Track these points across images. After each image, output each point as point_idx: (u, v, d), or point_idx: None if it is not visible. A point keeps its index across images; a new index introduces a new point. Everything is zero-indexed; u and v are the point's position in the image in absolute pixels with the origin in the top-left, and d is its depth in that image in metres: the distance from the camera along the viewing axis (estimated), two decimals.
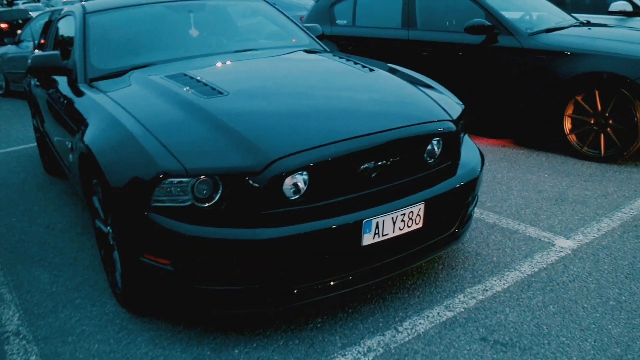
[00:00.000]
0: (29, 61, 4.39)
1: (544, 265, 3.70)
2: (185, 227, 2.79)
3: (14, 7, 29.57)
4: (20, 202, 5.46)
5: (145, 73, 3.92)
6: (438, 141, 3.29)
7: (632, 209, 4.46)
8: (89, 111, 3.64)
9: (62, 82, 4.49)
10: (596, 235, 4.08)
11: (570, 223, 4.29)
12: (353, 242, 2.92)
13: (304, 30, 5.05)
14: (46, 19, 11.30)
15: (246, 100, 3.28)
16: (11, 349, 3.18)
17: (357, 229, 2.89)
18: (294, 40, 4.93)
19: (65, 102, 4.20)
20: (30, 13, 17.76)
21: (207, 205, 2.82)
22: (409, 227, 3.08)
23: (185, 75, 3.73)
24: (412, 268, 3.71)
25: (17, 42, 11.76)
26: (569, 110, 5.55)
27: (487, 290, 3.45)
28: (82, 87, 4.00)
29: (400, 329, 3.13)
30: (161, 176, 2.79)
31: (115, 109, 3.43)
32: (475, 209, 4.58)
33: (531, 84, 5.69)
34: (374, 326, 3.17)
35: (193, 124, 3.08)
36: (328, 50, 4.82)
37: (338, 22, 7.23)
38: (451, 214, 3.36)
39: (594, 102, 5.41)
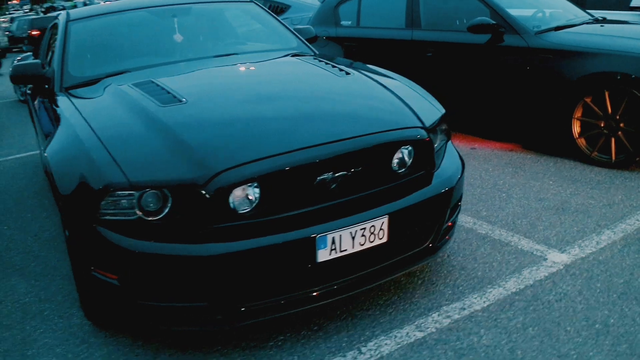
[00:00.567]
0: (10, 70, 4.32)
1: (531, 282, 3.45)
2: (130, 241, 2.67)
3: (48, 15, 30.10)
4: (15, 210, 5.41)
5: (116, 81, 3.81)
6: (409, 149, 3.07)
7: (637, 220, 4.16)
8: (57, 121, 3.56)
9: (45, 90, 4.43)
10: (594, 249, 3.80)
11: (568, 235, 4.01)
12: (307, 258, 2.74)
13: (293, 33, 4.87)
14: None
15: (204, 108, 3.13)
16: None
17: (310, 245, 2.71)
18: (280, 43, 4.74)
19: (43, 110, 4.14)
20: None
21: (155, 219, 2.67)
22: (371, 242, 2.87)
23: (152, 82, 3.59)
24: (389, 282, 3.49)
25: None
26: (578, 113, 5.25)
27: (464, 308, 3.22)
28: (58, 96, 3.91)
29: (363, 349, 2.93)
30: (106, 189, 2.68)
31: (77, 119, 3.34)
32: (469, 219, 4.33)
33: (538, 85, 5.40)
34: (337, 346, 2.97)
35: (146, 134, 2.96)
36: (315, 53, 4.64)
37: (343, 23, 7.03)
38: (424, 227, 3.14)
39: (603, 104, 5.11)
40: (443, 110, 3.50)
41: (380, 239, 2.91)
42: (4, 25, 34.11)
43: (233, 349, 3.01)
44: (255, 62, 4.11)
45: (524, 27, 5.54)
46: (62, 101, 3.73)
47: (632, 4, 7.46)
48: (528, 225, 4.20)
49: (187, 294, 2.70)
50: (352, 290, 2.92)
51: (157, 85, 3.53)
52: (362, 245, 2.87)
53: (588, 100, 5.17)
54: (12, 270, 4.13)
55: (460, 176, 3.36)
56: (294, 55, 4.38)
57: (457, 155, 3.52)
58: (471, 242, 4.00)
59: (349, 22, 6.99)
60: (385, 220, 2.88)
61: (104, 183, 2.69)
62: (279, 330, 3.15)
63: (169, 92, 3.37)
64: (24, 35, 28.34)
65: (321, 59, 4.14)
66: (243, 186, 2.67)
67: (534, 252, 3.80)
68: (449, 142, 3.65)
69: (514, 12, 6.09)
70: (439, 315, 3.19)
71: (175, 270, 2.64)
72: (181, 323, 2.76)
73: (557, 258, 3.71)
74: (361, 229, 2.83)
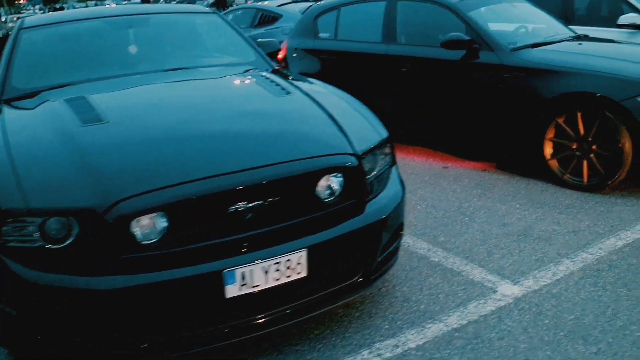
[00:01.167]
0: None
1: (475, 317, 3.24)
2: (25, 271, 2.51)
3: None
4: None
5: (53, 95, 3.66)
6: (338, 177, 2.88)
7: (600, 249, 3.94)
8: None
9: None
10: (549, 281, 3.59)
11: (525, 264, 3.80)
12: (215, 294, 2.57)
13: (252, 47, 4.70)
14: None
15: (123, 130, 2.98)
16: None
17: (217, 280, 2.53)
18: (235, 57, 4.58)
19: None
20: None
21: (58, 247, 2.50)
22: (287, 277, 2.69)
23: (84, 99, 3.44)
24: (324, 314, 3.30)
25: None
26: (550, 134, 5.04)
27: (398, 346, 3.02)
28: None
29: None
30: (6, 214, 2.51)
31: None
32: (424, 244, 4.14)
33: (511, 103, 5.20)
34: None
35: (60, 155, 2.81)
36: (271, 67, 4.47)
37: (321, 35, 6.86)
38: (354, 259, 2.95)
39: (576, 125, 4.88)
40: (385, 135, 3.31)
41: (299, 273, 2.73)
42: (10, 24, 34.27)
43: None
44: (198, 79, 3.95)
45: (499, 44, 5.34)
46: None
47: (619, 22, 7.20)
48: (485, 253, 3.99)
49: (86, 329, 2.53)
50: (268, 327, 2.73)
51: (87, 102, 3.37)
52: (278, 280, 2.69)
53: (560, 120, 4.96)
54: None
55: (398, 204, 3.17)
56: (247, 70, 4.21)
57: (398, 182, 3.33)
58: (421, 271, 3.80)
59: (327, 35, 6.81)
60: (303, 254, 2.70)
61: (3, 207, 2.52)
62: None
63: (94, 111, 3.21)
64: None
65: (269, 76, 3.98)
66: (149, 215, 2.50)
67: (485, 284, 3.60)
68: (394, 167, 3.44)
69: (498, 26, 5.90)
70: (369, 353, 3.00)
71: (72, 304, 2.49)
72: (81, 358, 2.59)
73: (508, 290, 3.50)
74: (275, 264, 2.65)
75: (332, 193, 2.90)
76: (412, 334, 3.14)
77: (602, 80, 4.75)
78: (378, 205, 3.09)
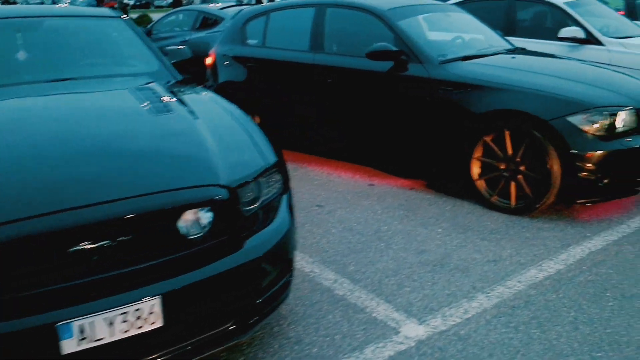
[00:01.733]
0: None
1: None
2: None
3: None
4: None
5: None
6: (206, 211, 2.50)
7: (518, 282, 3.63)
8: None
9: None
10: (459, 320, 3.26)
11: (435, 300, 3.46)
12: (48, 350, 2.16)
13: (156, 56, 4.30)
14: None
15: None
16: None
17: (50, 334, 2.14)
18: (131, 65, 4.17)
19: None
20: None
21: None
22: (139, 328, 2.28)
23: None
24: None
25: None
26: (477, 153, 4.73)
27: None
28: None
29: None
30: None
31: None
32: (331, 275, 3.78)
33: (438, 120, 4.90)
34: None
35: None
36: (176, 78, 4.13)
37: (249, 41, 6.47)
38: (225, 303, 2.57)
39: (504, 145, 4.57)
40: (272, 160, 2.94)
41: (152, 323, 2.33)
42: None
43: None
44: (80, 93, 3.57)
45: (427, 56, 5.02)
46: None
47: (560, 35, 6.96)
48: (395, 285, 3.65)
49: None
50: None
51: None
52: (127, 332, 2.29)
53: (488, 139, 4.65)
54: None
55: (282, 239, 2.80)
56: (147, 83, 3.82)
57: (287, 213, 2.96)
58: (322, 307, 3.44)
59: (256, 41, 6.43)
60: (156, 301, 2.32)
61: None
62: None
63: None
64: None
65: (160, 90, 3.62)
66: None
67: (388, 323, 3.25)
68: (286, 195, 3.07)
69: (437, 35, 5.60)
70: None
71: None
72: None
73: (412, 332, 3.16)
74: (121, 314, 2.25)
75: (199, 230, 2.52)
76: None
77: (531, 98, 4.46)
78: (259, 240, 2.73)
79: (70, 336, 2.20)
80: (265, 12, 6.41)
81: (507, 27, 7.55)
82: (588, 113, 4.35)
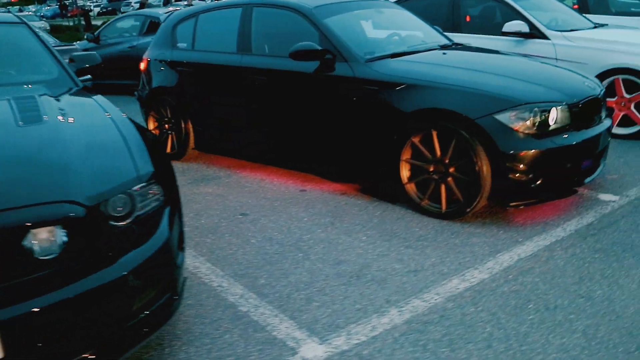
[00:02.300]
0: None
1: None
2: None
3: None
4: None
5: None
6: (59, 230, 2.21)
7: (437, 295, 3.35)
8: None
9: None
10: (363, 338, 2.99)
11: (344, 316, 3.18)
12: None
13: (57, 62, 4.01)
14: None
15: None
16: None
17: None
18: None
19: None
20: None
21: None
22: None
23: None
24: None
25: None
26: (406, 154, 4.46)
27: None
28: None
29: None
30: None
31: None
32: (239, 290, 3.52)
33: (366, 121, 4.62)
34: None
35: None
36: (77, 85, 3.84)
37: (179, 45, 6.16)
38: (82, 330, 2.27)
39: (432, 146, 4.30)
40: (146, 172, 2.66)
41: None
42: None
43: None
44: None
45: (353, 54, 4.74)
46: None
47: (504, 29, 6.73)
48: (304, 300, 3.36)
49: None
50: None
51: None
52: None
53: (416, 140, 4.39)
54: None
55: (154, 257, 2.50)
56: (32, 92, 3.52)
57: (165, 227, 2.67)
58: (221, 325, 3.15)
59: (185, 45, 6.12)
60: None
61: None
62: None
63: None
64: None
65: (45, 99, 3.35)
66: None
67: (287, 343, 2.96)
68: (167, 208, 2.77)
69: (371, 33, 5.34)
70: None
71: None
72: None
73: (311, 352, 2.87)
74: None
75: (53, 250, 2.22)
76: None
77: (457, 96, 4.21)
78: (130, 258, 2.43)
79: None
80: (194, 15, 6.12)
81: (452, 23, 7.31)
82: (517, 110, 4.09)
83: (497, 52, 5.36)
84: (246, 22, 5.53)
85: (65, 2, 46.65)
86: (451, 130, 4.20)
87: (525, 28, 6.70)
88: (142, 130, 3.14)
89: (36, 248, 2.24)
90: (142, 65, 6.50)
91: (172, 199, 2.87)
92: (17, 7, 64.66)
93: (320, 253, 3.98)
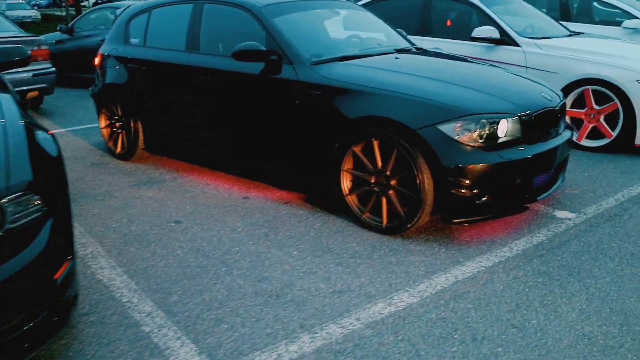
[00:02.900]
0: None
1: None
2: None
3: None
4: None
5: None
6: None
7: (357, 320, 3.10)
8: None
9: None
10: None
11: (250, 341, 2.92)
12: None
13: None
14: None
15: None
16: None
17: None
18: None
19: None
20: None
21: None
22: None
23: None
24: None
25: None
26: (347, 164, 4.19)
27: None
28: None
29: None
30: None
31: None
32: (147, 306, 3.27)
33: (310, 128, 4.36)
34: None
35: None
36: None
37: (132, 40, 5.89)
38: None
39: (374, 156, 4.04)
40: (22, 180, 2.42)
41: None
42: None
43: None
44: None
45: (299, 56, 4.48)
46: None
47: (474, 35, 6.46)
48: (213, 321, 3.12)
49: None
50: None
51: None
52: None
53: (357, 149, 4.12)
54: None
55: (14, 276, 2.25)
56: None
57: (43, 240, 2.41)
58: (116, 348, 2.91)
59: (137, 41, 5.85)
60: None
61: None
62: None
63: None
64: None
65: None
66: None
67: None
68: (50, 220, 2.51)
69: (332, 34, 5.11)
70: None
71: None
72: None
73: None
74: None
75: None
76: None
77: (400, 104, 3.95)
78: None
79: None
80: (147, 9, 5.86)
81: (421, 26, 7.03)
82: (462, 121, 3.83)
83: (455, 58, 5.10)
84: (196, 19, 5.27)
85: None
86: (392, 140, 3.93)
87: (495, 34, 6.43)
88: (33, 136, 2.87)
89: None
90: (96, 60, 6.24)
91: (57, 210, 2.61)
92: None
93: (245, 268, 3.72)
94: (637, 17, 8.58)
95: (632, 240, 4.11)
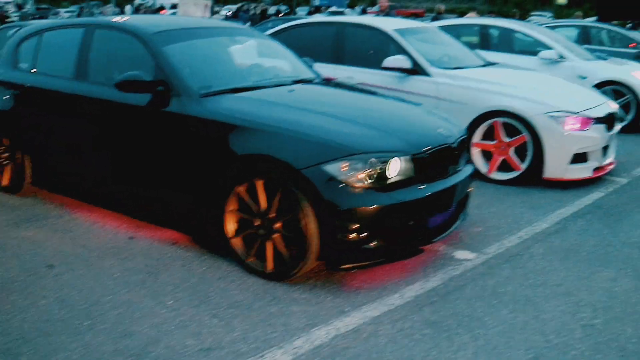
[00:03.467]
0: None
1: None
2: None
3: None
4: None
5: None
6: None
7: None
8: None
9: None
10: None
11: None
12: None
13: None
14: None
15: None
16: None
17: None
18: None
19: None
20: None
21: None
22: None
23: None
24: None
25: None
26: (232, 205, 3.91)
27: None
28: None
29: None
30: None
31: None
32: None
33: (195, 165, 4.09)
34: None
35: None
36: None
37: (21, 65, 5.51)
38: None
39: (257, 197, 3.77)
40: None
41: None
42: None
43: None
44: None
45: (186, 88, 4.23)
46: None
47: (384, 64, 6.30)
48: None
49: None
50: None
51: None
52: None
53: (241, 190, 3.85)
54: None
55: None
56: None
57: None
58: None
59: (27, 65, 5.48)
60: None
61: None
62: None
63: None
64: None
65: None
66: None
67: None
68: None
69: (230, 64, 4.83)
70: None
71: None
72: None
73: None
74: None
75: None
76: None
77: (284, 141, 3.74)
78: None
79: None
80: (39, 32, 5.50)
81: (334, 55, 6.84)
82: (349, 160, 3.63)
83: (356, 90, 4.92)
84: (86, 44, 4.95)
85: None
86: (275, 180, 3.68)
87: (406, 64, 6.29)
88: None
89: None
90: None
91: None
92: None
93: (111, 321, 3.40)
94: (552, 49, 8.60)
95: (529, 283, 3.95)
